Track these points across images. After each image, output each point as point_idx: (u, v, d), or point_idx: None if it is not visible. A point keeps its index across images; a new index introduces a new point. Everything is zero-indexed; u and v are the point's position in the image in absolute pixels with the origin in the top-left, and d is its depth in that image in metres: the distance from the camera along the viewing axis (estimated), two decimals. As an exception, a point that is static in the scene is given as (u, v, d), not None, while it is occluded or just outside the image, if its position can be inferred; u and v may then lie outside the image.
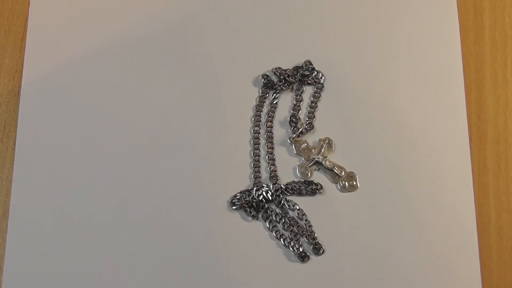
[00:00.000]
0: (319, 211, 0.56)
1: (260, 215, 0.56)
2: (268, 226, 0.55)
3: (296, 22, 0.62)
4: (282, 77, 0.59)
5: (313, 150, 0.58)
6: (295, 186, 0.56)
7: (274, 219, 0.56)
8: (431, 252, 0.55)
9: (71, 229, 0.55)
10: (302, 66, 0.60)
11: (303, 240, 0.55)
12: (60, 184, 0.56)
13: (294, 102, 0.60)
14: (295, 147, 0.58)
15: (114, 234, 0.55)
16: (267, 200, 0.56)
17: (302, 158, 0.58)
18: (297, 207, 0.56)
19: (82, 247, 0.55)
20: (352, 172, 0.57)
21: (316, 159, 0.57)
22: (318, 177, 0.57)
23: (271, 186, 0.56)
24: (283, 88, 0.60)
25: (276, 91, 0.60)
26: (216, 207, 0.56)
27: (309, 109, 0.59)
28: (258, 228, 0.55)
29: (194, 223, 0.55)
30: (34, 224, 0.55)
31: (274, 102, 0.59)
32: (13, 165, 0.57)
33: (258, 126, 0.58)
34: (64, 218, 0.55)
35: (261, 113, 0.59)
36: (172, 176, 0.57)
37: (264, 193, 0.56)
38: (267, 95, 0.60)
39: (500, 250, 0.55)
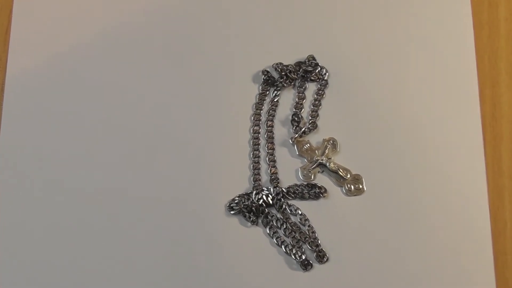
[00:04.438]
0: (323, 216, 0.55)
1: (260, 221, 0.55)
2: (268, 232, 0.55)
3: (298, 14, 0.62)
4: (283, 73, 0.59)
5: (316, 151, 0.57)
6: (297, 190, 0.56)
7: (275, 224, 0.55)
8: (442, 259, 0.54)
9: (62, 232, 0.55)
10: (305, 61, 0.60)
11: (305, 247, 0.55)
12: (47, 185, 0.56)
13: (296, 99, 0.59)
14: (297, 148, 0.57)
15: (107, 238, 0.55)
16: (268, 205, 0.56)
17: (305, 160, 0.57)
18: (300, 212, 0.55)
19: (75, 252, 0.54)
20: (358, 174, 0.56)
21: (319, 160, 0.57)
22: (321, 180, 0.57)
23: (271, 190, 0.56)
24: (285, 85, 0.59)
25: (277, 88, 0.59)
26: (213, 212, 0.55)
27: (312, 107, 0.59)
28: (257, 234, 0.55)
29: (190, 229, 0.55)
30: (22, 224, 0.55)
31: (275, 100, 0.59)
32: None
33: (258, 125, 0.58)
34: (53, 220, 0.55)
35: (261, 111, 0.59)
36: (167, 179, 0.56)
37: (264, 197, 0.55)
38: (268, 92, 0.59)
39: (516, 257, 0.55)
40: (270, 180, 0.56)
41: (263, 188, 0.56)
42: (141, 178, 0.56)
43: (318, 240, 0.54)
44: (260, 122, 0.58)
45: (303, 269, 0.54)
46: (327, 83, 0.59)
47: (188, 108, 0.58)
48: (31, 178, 0.56)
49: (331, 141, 0.57)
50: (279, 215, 0.56)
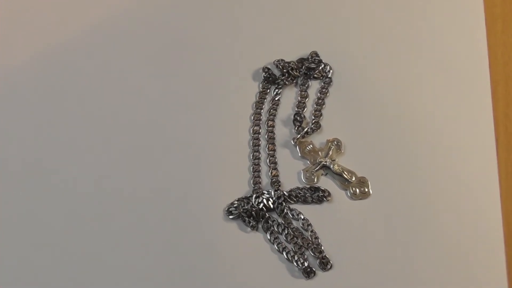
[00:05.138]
0: (327, 221, 0.55)
1: (260, 226, 0.55)
2: (269, 238, 0.54)
3: (300, 8, 0.62)
4: (285, 70, 0.59)
5: (319, 153, 0.57)
6: (300, 193, 0.55)
7: (276, 230, 0.55)
8: (453, 265, 0.53)
9: (57, 234, 0.54)
10: (308, 58, 0.60)
11: (308, 253, 0.54)
12: (42, 184, 0.56)
13: (299, 98, 0.59)
14: (299, 149, 0.57)
15: (102, 242, 0.54)
16: (268, 209, 0.55)
17: (308, 162, 0.57)
18: (302, 217, 0.55)
19: (69, 256, 0.54)
20: (364, 177, 0.56)
21: (323, 162, 0.56)
22: (325, 183, 0.56)
23: (272, 193, 0.55)
24: (286, 82, 0.59)
25: (278, 86, 0.59)
26: (211, 217, 0.55)
27: (315, 106, 0.59)
28: (258, 240, 0.54)
29: (186, 234, 0.54)
30: (17, 224, 0.55)
31: (276, 99, 0.59)
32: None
33: (258, 125, 0.58)
34: (48, 220, 0.55)
35: (262, 111, 0.59)
36: (161, 182, 0.56)
37: (264, 200, 0.55)
38: (269, 90, 0.59)
39: (530, 263, 0.54)
40: (271, 183, 0.56)
41: (264, 191, 0.55)
42: (135, 180, 0.56)
43: (321, 246, 0.54)
44: (261, 122, 0.58)
45: (306, 277, 0.53)
46: (331, 81, 0.59)
47: (185, 107, 0.58)
48: (23, 178, 0.56)
49: (335, 142, 0.57)
50: (280, 220, 0.55)
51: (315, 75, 0.59)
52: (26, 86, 0.59)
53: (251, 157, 0.57)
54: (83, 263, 0.53)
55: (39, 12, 0.61)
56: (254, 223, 0.54)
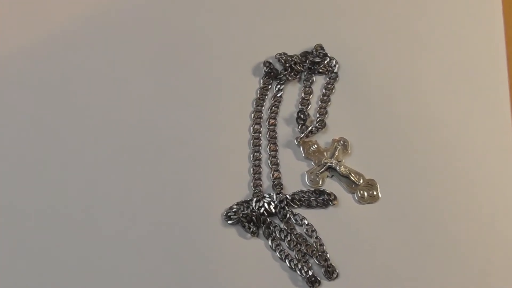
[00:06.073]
0: (332, 226, 0.54)
1: (261, 232, 0.54)
2: (270, 244, 0.54)
3: None
4: (288, 64, 0.59)
5: (325, 153, 0.57)
6: (304, 197, 0.55)
7: (278, 236, 0.54)
8: (468, 276, 0.52)
9: (43, 243, 0.54)
10: (312, 51, 0.60)
11: (312, 261, 0.53)
12: (34, 185, 0.56)
13: (302, 95, 0.59)
14: (303, 150, 0.57)
15: (93, 250, 0.54)
16: (270, 213, 0.55)
17: (312, 163, 0.57)
18: (306, 222, 0.54)
19: (59, 262, 0.53)
20: (372, 179, 0.56)
21: (328, 164, 0.56)
22: (331, 185, 0.56)
23: (274, 197, 0.55)
24: (289, 78, 0.59)
25: (280, 81, 0.59)
26: (208, 222, 0.54)
27: (320, 103, 0.59)
28: (258, 247, 0.54)
29: (182, 240, 0.54)
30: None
31: (278, 95, 0.59)
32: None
33: (259, 124, 0.58)
34: (41, 225, 0.54)
35: (263, 108, 0.59)
36: (157, 185, 0.56)
37: (265, 204, 0.55)
38: (270, 86, 0.59)
39: (549, 272, 0.54)
40: (272, 185, 0.56)
41: (265, 195, 0.55)
42: (129, 181, 0.56)
43: (326, 253, 0.53)
44: (262, 120, 0.58)
45: (310, 287, 0.52)
46: (337, 76, 0.59)
47: (181, 105, 0.58)
48: (15, 178, 0.56)
49: (342, 142, 0.57)
50: (282, 226, 0.55)
51: (320, 70, 0.59)
52: (21, 85, 0.59)
53: (251, 158, 0.56)
54: (77, 269, 0.53)
55: (34, 10, 0.62)
56: (254, 228, 0.54)
